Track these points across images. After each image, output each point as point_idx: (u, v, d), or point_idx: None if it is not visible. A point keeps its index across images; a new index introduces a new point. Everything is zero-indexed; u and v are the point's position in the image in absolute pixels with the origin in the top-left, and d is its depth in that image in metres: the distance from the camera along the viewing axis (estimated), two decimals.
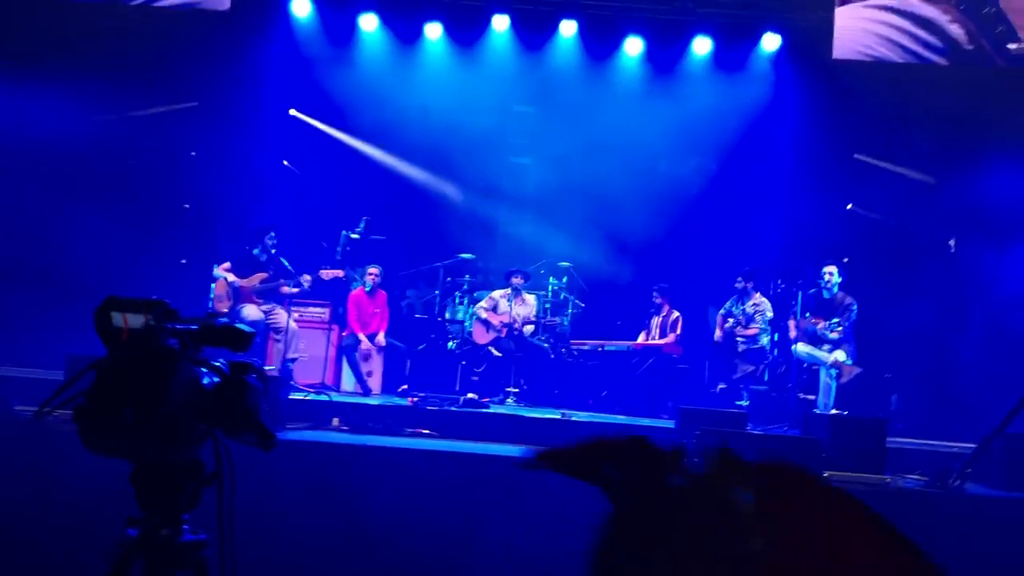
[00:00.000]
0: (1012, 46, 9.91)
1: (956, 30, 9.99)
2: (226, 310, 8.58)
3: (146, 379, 1.80)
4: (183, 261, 10.08)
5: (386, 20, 10.76)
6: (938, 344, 9.66)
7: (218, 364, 1.98)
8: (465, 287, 10.54)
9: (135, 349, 1.85)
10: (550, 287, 10.47)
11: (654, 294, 9.84)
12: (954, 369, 9.49)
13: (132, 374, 1.80)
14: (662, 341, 9.65)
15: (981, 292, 9.80)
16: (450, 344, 10.11)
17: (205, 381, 1.92)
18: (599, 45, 10.87)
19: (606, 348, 10.00)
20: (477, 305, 10.00)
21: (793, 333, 8.78)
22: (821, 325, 8.64)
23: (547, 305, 10.35)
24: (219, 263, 9.13)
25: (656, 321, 9.85)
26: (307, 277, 8.64)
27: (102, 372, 1.81)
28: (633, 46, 10.83)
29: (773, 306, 9.59)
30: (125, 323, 1.91)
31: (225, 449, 1.96)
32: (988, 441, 6.21)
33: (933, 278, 9.95)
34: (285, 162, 10.49)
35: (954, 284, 9.96)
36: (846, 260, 9.32)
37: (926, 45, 10.08)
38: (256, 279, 8.66)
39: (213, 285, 9.04)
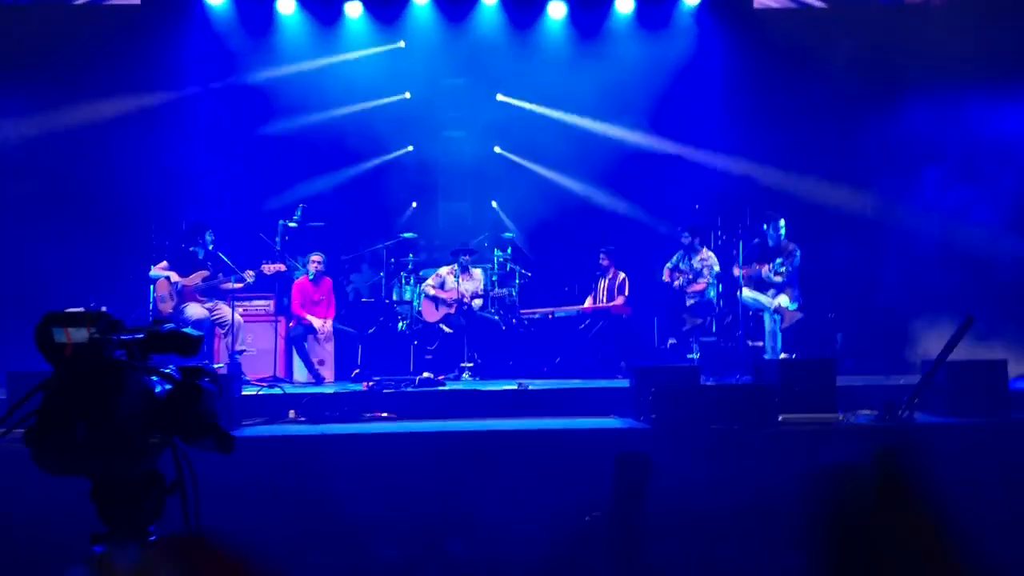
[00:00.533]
0: None
1: None
2: (170, 310, 8.41)
3: (95, 393, 1.76)
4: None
5: (304, 3, 10.56)
6: (875, 280, 9.90)
7: (168, 371, 1.95)
8: (410, 266, 10.48)
9: (81, 364, 1.80)
10: (495, 259, 10.47)
11: (601, 256, 9.89)
12: (893, 303, 9.74)
13: (80, 390, 1.76)
14: (612, 303, 9.72)
15: (906, 226, 10.07)
16: (400, 325, 10.07)
17: (157, 390, 1.88)
18: (522, 12, 10.83)
19: (556, 315, 10.06)
20: (424, 283, 9.96)
21: (737, 273, 8.89)
22: (765, 269, 8.80)
23: (494, 277, 10.35)
24: (155, 263, 8.94)
25: (603, 284, 9.92)
26: (250, 272, 8.51)
27: (49, 390, 1.76)
28: (556, 10, 10.82)
29: (718, 257, 9.72)
30: (68, 338, 1.86)
31: (184, 456, 1.93)
32: (931, 372, 6.41)
33: (860, 217, 10.20)
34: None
35: (889, 222, 10.21)
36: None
37: None
38: (198, 277, 8.50)
39: (152, 286, 8.85)
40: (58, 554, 2.19)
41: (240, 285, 8.56)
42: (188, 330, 2.02)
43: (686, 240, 9.63)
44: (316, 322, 9.02)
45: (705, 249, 9.64)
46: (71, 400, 1.73)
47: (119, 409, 1.76)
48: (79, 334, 1.86)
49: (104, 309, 1.93)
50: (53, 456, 1.73)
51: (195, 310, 8.39)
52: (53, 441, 1.71)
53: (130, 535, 1.87)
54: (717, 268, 9.50)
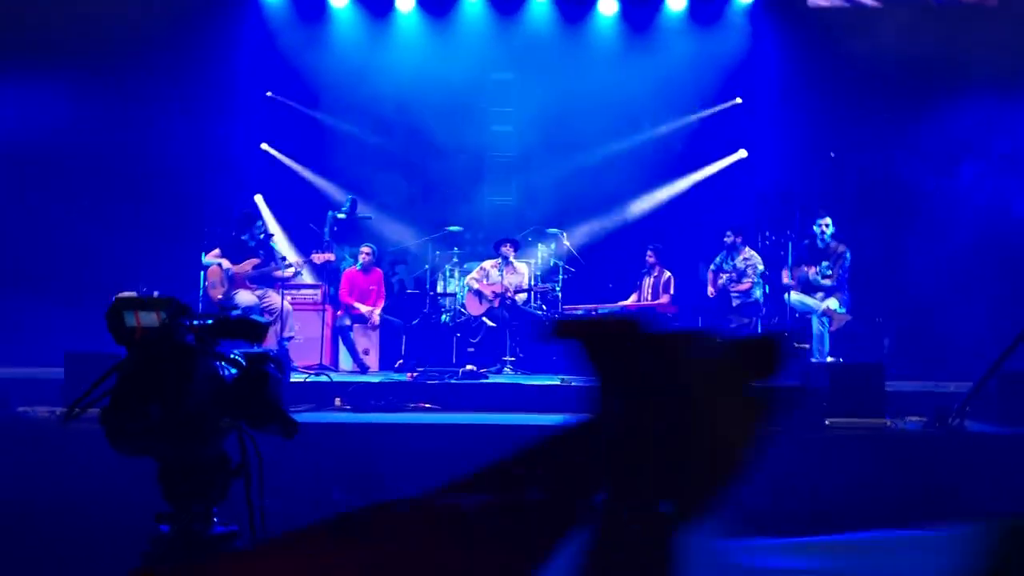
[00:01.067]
0: None
1: None
2: (220, 296, 8.55)
3: (168, 376, 1.81)
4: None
5: None
6: (926, 286, 9.74)
7: (235, 356, 2.00)
8: (455, 259, 10.53)
9: (153, 348, 1.85)
10: (540, 253, 10.48)
11: (648, 254, 9.85)
12: (941, 310, 9.58)
13: (153, 372, 1.81)
14: (656, 302, 9.68)
15: (963, 230, 9.87)
16: (444, 317, 10.13)
17: (225, 374, 1.93)
18: (573, 7, 10.83)
19: (599, 311, 10.03)
20: (468, 276, 10.00)
21: (786, 280, 8.81)
22: (813, 272, 8.70)
23: (538, 272, 10.36)
24: (207, 251, 9.09)
25: (648, 282, 9.88)
26: (300, 261, 8.64)
27: (124, 373, 1.81)
28: (607, 5, 10.78)
29: (763, 258, 9.63)
30: (138, 322, 1.91)
31: (251, 440, 1.97)
32: (984, 380, 6.29)
33: (917, 219, 10.03)
34: (264, 145, 10.43)
35: (938, 223, 10.03)
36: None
37: None
38: (248, 265, 8.63)
39: (204, 273, 9.01)
40: (124, 533, 2.25)
41: (291, 271, 8.69)
42: (256, 317, 2.07)
43: (728, 239, 9.57)
44: (364, 309, 9.13)
45: (748, 248, 9.56)
46: (145, 383, 1.78)
47: (191, 392, 1.81)
48: (148, 318, 1.91)
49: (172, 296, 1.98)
50: (127, 437, 1.78)
51: (245, 297, 8.52)
52: (128, 422, 1.76)
53: (195, 516, 1.93)
54: (761, 267, 9.41)
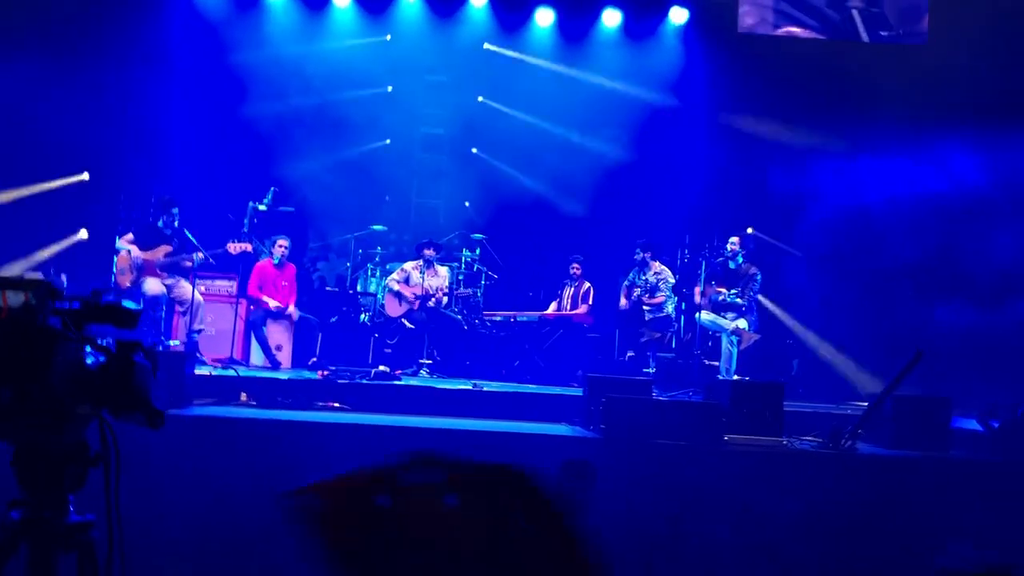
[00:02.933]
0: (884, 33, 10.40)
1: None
2: (129, 284, 8.36)
3: (25, 359, 1.77)
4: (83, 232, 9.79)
5: None
6: (837, 309, 10.05)
7: (103, 343, 1.96)
8: (377, 259, 10.47)
9: (13, 327, 1.81)
10: (463, 258, 10.49)
11: (573, 266, 9.95)
12: (852, 332, 9.90)
13: (11, 354, 1.76)
14: (575, 311, 9.78)
15: (876, 257, 10.22)
16: (363, 317, 10.06)
17: (89, 360, 1.89)
18: (510, 14, 10.87)
19: (518, 319, 10.09)
20: (389, 277, 9.95)
21: (698, 300, 9.01)
22: (724, 294, 8.90)
23: (460, 276, 10.37)
24: (120, 234, 8.88)
25: (568, 291, 9.98)
26: (200, 255, 8.45)
27: None
28: (544, 17, 10.86)
29: (680, 275, 9.81)
30: (4, 301, 1.86)
31: (110, 429, 1.94)
32: (878, 403, 6.53)
33: (831, 245, 10.34)
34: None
35: (851, 250, 10.35)
36: (750, 230, 9.61)
37: (817, 15, 10.44)
38: (160, 252, 8.44)
39: (115, 258, 8.79)
40: None
41: (199, 257, 8.49)
42: (128, 303, 2.03)
43: (638, 256, 9.76)
44: (272, 303, 8.94)
45: (657, 263, 9.75)
46: (1, 364, 1.74)
47: (48, 376, 1.77)
48: (16, 298, 1.87)
49: (40, 275, 1.94)
50: None
51: (153, 285, 8.33)
52: None
53: (48, 503, 1.89)
54: (672, 280, 9.62)
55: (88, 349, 1.90)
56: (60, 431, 1.87)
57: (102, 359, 1.92)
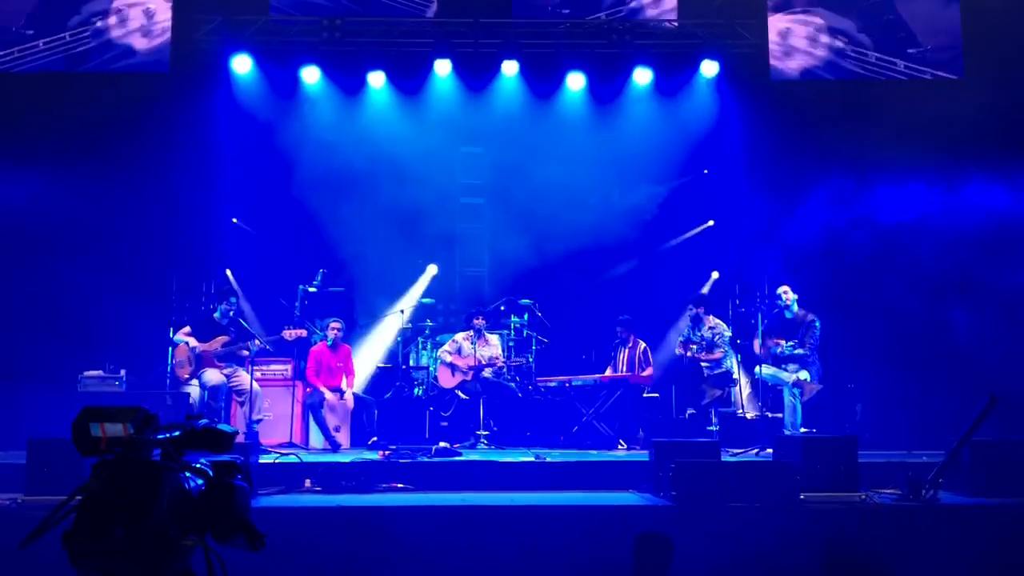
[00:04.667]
0: (912, 50, 10.33)
1: (863, 39, 10.40)
2: (187, 376, 8.45)
3: (132, 497, 1.76)
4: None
5: (328, 72, 10.77)
6: (896, 353, 9.83)
7: (201, 466, 1.95)
8: (427, 332, 10.50)
9: (118, 466, 1.80)
10: (512, 325, 10.47)
11: (618, 329, 9.86)
12: (915, 375, 9.66)
13: (118, 493, 1.76)
14: (640, 374, 9.61)
15: (932, 297, 10.02)
16: (416, 391, 10.04)
17: (191, 486, 1.88)
18: (541, 82, 11.00)
19: (573, 383, 10.00)
20: (440, 349, 9.95)
21: (758, 351, 8.85)
22: (782, 347, 8.72)
23: (511, 343, 10.33)
24: (176, 327, 9.01)
25: (623, 353, 9.85)
26: (256, 342, 8.53)
27: (88, 492, 1.76)
28: (575, 81, 10.98)
29: (733, 327, 9.69)
30: (103, 432, 1.87)
31: (217, 556, 1.92)
32: (957, 450, 6.32)
33: (882, 287, 10.17)
34: (235, 220, 10.42)
35: (906, 290, 10.16)
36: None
37: (849, 57, 10.43)
38: (218, 342, 8.53)
39: (172, 350, 8.91)
40: None
41: (248, 351, 8.56)
42: (223, 427, 2.03)
43: (691, 312, 9.62)
44: (329, 396, 8.95)
45: (712, 317, 9.61)
46: (108, 504, 1.73)
47: (156, 512, 1.76)
48: (114, 428, 1.87)
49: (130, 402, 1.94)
50: (90, 560, 1.73)
51: (213, 376, 8.40)
52: (90, 546, 1.71)
53: None
54: (729, 333, 9.47)
55: (187, 475, 1.90)
56: (168, 564, 1.86)
57: (202, 484, 1.91)
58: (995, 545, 5.66)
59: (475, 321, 9.78)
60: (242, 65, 10.49)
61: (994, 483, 6.31)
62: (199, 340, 8.50)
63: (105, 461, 1.82)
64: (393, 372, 10.19)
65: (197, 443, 1.98)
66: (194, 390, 8.49)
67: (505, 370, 9.86)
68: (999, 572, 5.44)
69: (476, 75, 10.91)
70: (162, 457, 1.89)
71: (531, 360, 10.20)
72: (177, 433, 1.95)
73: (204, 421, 2.02)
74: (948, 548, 5.67)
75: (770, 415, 8.80)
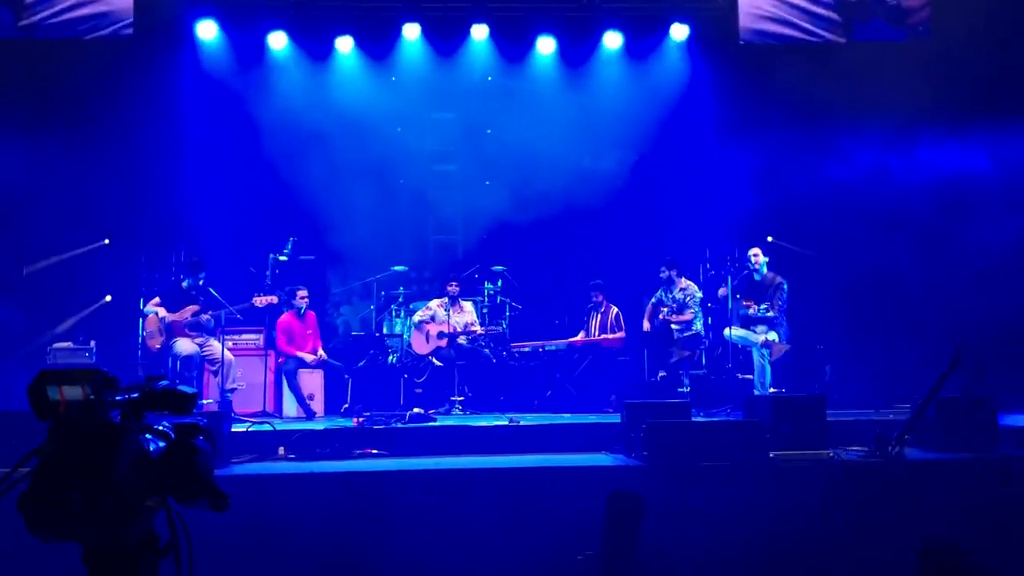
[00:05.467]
0: (880, 12, 10.33)
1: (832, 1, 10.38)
2: (158, 346, 8.40)
3: (91, 460, 1.74)
4: (107, 298, 9.88)
5: (295, 37, 10.59)
6: (863, 312, 9.95)
7: (163, 428, 1.94)
8: (400, 299, 10.48)
9: (75, 427, 1.78)
10: (486, 291, 10.47)
11: (593, 293, 9.91)
12: (880, 336, 9.79)
13: (76, 456, 1.74)
14: (612, 336, 9.70)
15: (899, 258, 10.12)
16: (391, 358, 10.05)
17: (151, 448, 1.87)
18: (512, 46, 10.89)
19: (546, 348, 10.05)
20: (414, 316, 9.95)
21: (723, 296, 8.93)
22: (752, 309, 8.82)
23: (484, 310, 10.34)
24: (146, 298, 8.93)
25: (595, 318, 9.92)
26: (232, 310, 8.51)
27: (44, 457, 1.74)
28: (545, 45, 10.88)
29: (704, 290, 9.76)
30: (62, 396, 1.84)
31: (179, 518, 1.91)
32: (922, 408, 6.43)
33: (849, 250, 10.26)
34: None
35: (875, 252, 10.26)
36: (770, 239, 9.56)
37: (818, 19, 10.40)
38: (188, 312, 8.47)
39: (142, 321, 8.84)
40: None
41: (209, 315, 8.55)
42: (183, 388, 2.00)
43: (664, 274, 9.69)
44: (309, 358, 9.02)
45: (683, 279, 9.68)
46: (67, 468, 1.71)
47: (116, 473, 1.75)
48: (73, 391, 1.85)
49: (93, 364, 1.91)
50: (48, 524, 1.72)
51: (185, 346, 8.35)
52: (48, 510, 1.69)
53: None
54: (699, 295, 9.56)
55: (148, 437, 1.89)
56: (131, 526, 1.85)
57: (163, 447, 1.90)
58: (958, 498, 5.78)
59: (449, 287, 9.77)
60: (207, 31, 10.30)
61: (958, 439, 6.43)
62: (168, 310, 8.43)
63: (61, 420, 1.80)
64: (366, 340, 10.17)
65: (157, 404, 1.96)
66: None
67: (482, 339, 9.88)
68: (962, 524, 5.55)
69: (445, 39, 10.78)
70: (121, 419, 1.87)
71: (505, 327, 10.23)
72: (136, 395, 1.93)
73: (164, 383, 2.00)
74: (913, 503, 5.78)
75: (740, 376, 8.89)
